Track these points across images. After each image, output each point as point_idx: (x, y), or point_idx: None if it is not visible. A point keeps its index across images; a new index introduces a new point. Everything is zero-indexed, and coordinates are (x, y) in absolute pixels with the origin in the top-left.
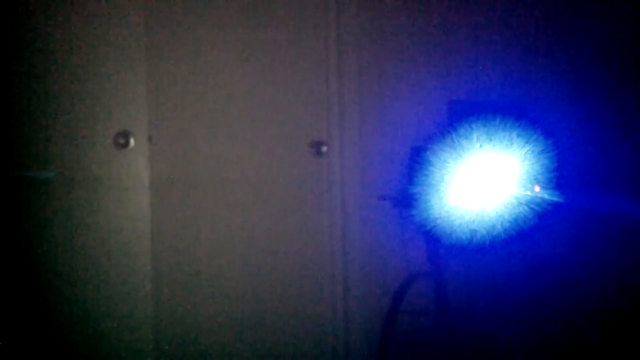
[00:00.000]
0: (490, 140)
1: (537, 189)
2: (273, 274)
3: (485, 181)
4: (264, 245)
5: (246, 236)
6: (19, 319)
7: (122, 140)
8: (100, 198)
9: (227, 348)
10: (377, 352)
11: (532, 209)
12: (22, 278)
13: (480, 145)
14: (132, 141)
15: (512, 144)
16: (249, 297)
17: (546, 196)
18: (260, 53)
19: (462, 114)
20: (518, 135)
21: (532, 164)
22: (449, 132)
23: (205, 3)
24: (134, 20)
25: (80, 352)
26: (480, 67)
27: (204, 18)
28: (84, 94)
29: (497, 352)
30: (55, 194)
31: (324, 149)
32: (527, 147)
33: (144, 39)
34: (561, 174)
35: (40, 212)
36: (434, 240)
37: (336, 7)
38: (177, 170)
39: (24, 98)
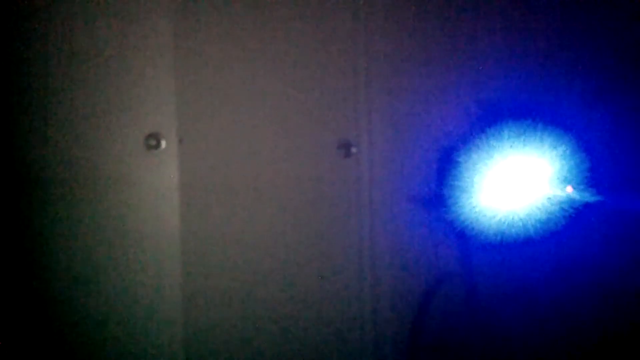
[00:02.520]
0: (522, 140)
1: (569, 189)
2: (301, 275)
3: (517, 181)
4: (292, 246)
5: (275, 237)
6: (45, 321)
7: (153, 142)
8: (131, 199)
9: (255, 349)
10: (406, 354)
11: (564, 209)
12: (49, 278)
13: (511, 145)
14: (163, 143)
15: (543, 143)
16: (277, 298)
17: (579, 197)
18: (290, 54)
19: (492, 113)
20: (550, 135)
21: (564, 164)
22: (479, 132)
23: (235, 5)
24: (163, 21)
25: (107, 354)
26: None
27: (234, 18)
28: (115, 95)
29: (528, 354)
30: (85, 195)
31: (353, 150)
32: (559, 147)
33: (174, 40)
34: (594, 174)
35: (69, 214)
36: (464, 241)
37: (364, 7)
38: (207, 171)
39: (53, 99)
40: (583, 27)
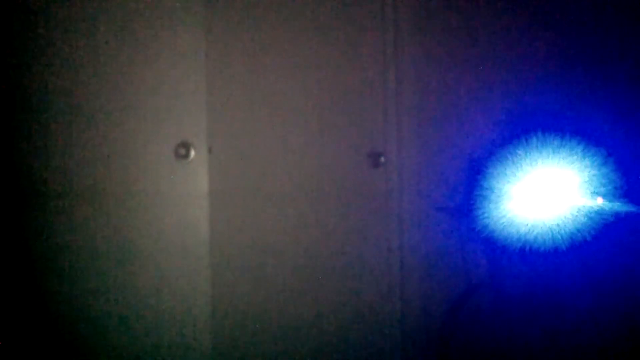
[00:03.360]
0: (552, 149)
1: (599, 200)
2: (330, 285)
3: (546, 192)
4: (322, 256)
5: (304, 247)
6: (77, 329)
7: (182, 151)
8: (160, 209)
9: (283, 355)
10: None
11: (593, 220)
12: (79, 287)
13: (541, 155)
14: (192, 152)
15: (573, 154)
16: (304, 306)
17: (608, 208)
18: (319, 64)
19: (522, 123)
20: (580, 145)
21: (594, 174)
22: (508, 142)
23: (265, 13)
24: (194, 32)
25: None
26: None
27: (264, 28)
28: (145, 105)
29: None
30: (116, 204)
31: (382, 159)
32: (589, 157)
33: (205, 50)
34: (624, 185)
35: (100, 222)
36: (493, 251)
37: (394, 17)
38: (236, 180)
39: (84, 108)
40: (616, 40)
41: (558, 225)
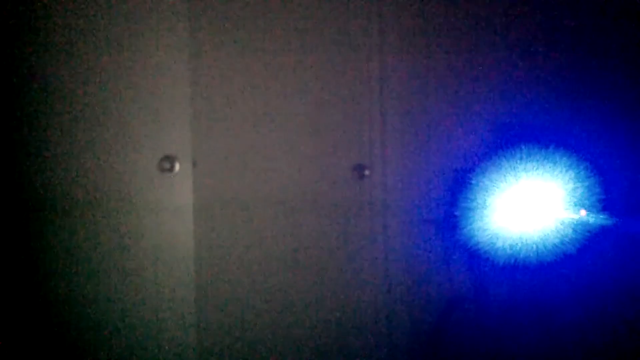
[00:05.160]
0: (536, 162)
1: (583, 212)
2: (314, 298)
3: (531, 204)
4: (307, 269)
5: (289, 260)
6: (67, 341)
7: (167, 165)
8: (145, 222)
9: None
10: None
11: (577, 233)
12: (65, 300)
13: (526, 168)
14: (177, 166)
15: (557, 166)
16: (290, 321)
17: (592, 220)
18: (304, 77)
19: (506, 137)
20: (564, 158)
21: (578, 187)
22: (493, 154)
23: (250, 27)
24: (179, 45)
25: None
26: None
27: (250, 43)
28: (130, 118)
29: None
30: (100, 218)
31: (367, 172)
32: (573, 171)
33: (189, 63)
34: (607, 197)
35: (86, 236)
36: (478, 264)
37: (379, 30)
38: (221, 194)
39: (70, 122)
40: (600, 54)
41: (542, 237)
